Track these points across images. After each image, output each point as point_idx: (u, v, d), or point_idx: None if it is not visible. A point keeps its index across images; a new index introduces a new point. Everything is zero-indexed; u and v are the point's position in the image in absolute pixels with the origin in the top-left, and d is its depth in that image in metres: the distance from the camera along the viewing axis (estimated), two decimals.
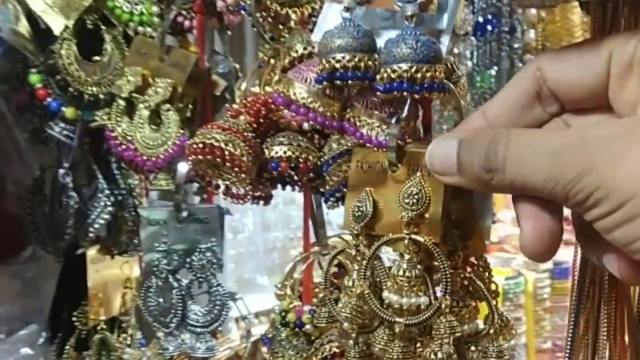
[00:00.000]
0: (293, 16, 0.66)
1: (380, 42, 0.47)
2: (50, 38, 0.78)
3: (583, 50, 0.40)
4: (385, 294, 0.45)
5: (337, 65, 0.45)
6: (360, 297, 0.45)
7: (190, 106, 0.75)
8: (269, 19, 0.67)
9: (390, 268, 0.47)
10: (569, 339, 0.49)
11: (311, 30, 0.64)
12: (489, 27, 1.53)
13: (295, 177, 0.63)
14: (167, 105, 0.72)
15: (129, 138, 0.73)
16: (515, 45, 1.54)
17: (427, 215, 0.45)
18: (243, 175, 0.59)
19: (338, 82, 0.46)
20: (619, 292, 0.48)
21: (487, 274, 0.52)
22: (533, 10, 1.52)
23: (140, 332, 0.93)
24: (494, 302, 0.48)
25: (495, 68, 1.55)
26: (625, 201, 0.34)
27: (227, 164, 0.58)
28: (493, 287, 0.50)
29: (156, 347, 0.74)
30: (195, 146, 0.58)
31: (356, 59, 0.45)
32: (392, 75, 0.44)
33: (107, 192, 0.86)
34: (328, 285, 0.51)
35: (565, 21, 1.51)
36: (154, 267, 0.73)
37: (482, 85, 1.55)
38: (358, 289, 0.45)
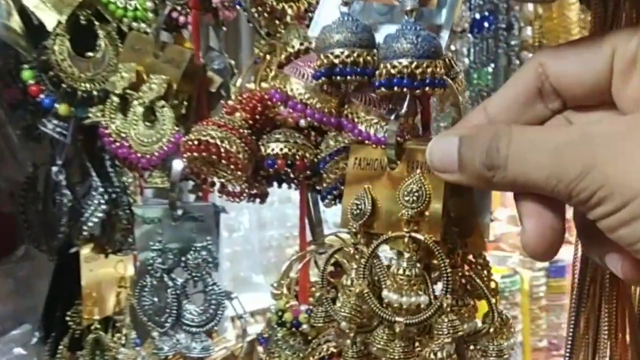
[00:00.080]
0: (289, 11, 0.65)
1: (378, 38, 0.46)
2: (43, 34, 0.78)
3: (585, 46, 0.40)
4: (384, 293, 0.44)
5: (336, 61, 0.45)
6: (359, 297, 0.45)
7: (185, 103, 0.74)
8: (265, 14, 0.66)
9: (388, 267, 0.46)
10: (569, 338, 0.49)
11: (307, 26, 0.63)
12: (486, 24, 1.53)
13: (292, 175, 0.62)
14: (162, 102, 0.71)
15: (123, 135, 0.72)
16: (512, 43, 1.54)
17: (426, 213, 0.44)
18: (239, 173, 0.58)
19: (336, 78, 0.45)
20: (620, 291, 0.48)
21: (485, 272, 0.51)
22: (530, 7, 1.52)
23: (134, 332, 0.93)
24: (493, 301, 0.48)
25: (492, 65, 1.55)
26: (631, 199, 0.33)
27: (223, 161, 0.57)
28: (492, 285, 0.50)
29: (151, 347, 0.73)
30: (190, 143, 0.58)
31: (355, 55, 0.44)
32: (392, 71, 0.43)
33: (101, 190, 0.86)
34: (325, 284, 0.50)
35: (562, 18, 1.51)
36: (149, 266, 0.72)
37: (479, 83, 1.55)
38: (357, 288, 0.45)
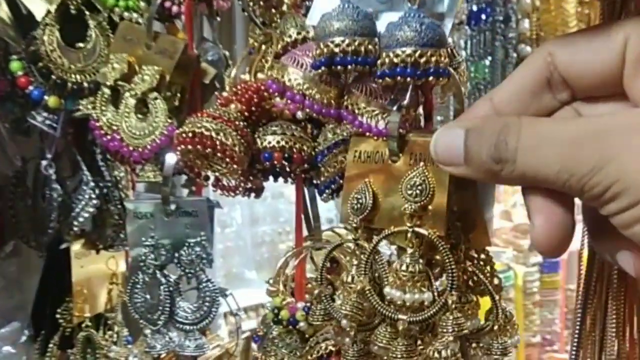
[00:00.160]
0: None
1: (378, 26, 0.45)
2: (32, 24, 0.76)
3: (597, 34, 0.39)
4: (387, 289, 0.43)
5: (336, 50, 0.44)
6: (361, 294, 0.43)
7: (178, 95, 0.72)
8: (260, 3, 0.65)
9: (389, 263, 0.45)
10: (576, 335, 0.48)
11: (304, 14, 0.62)
12: (483, 16, 1.52)
13: (288, 169, 0.61)
14: (154, 94, 0.70)
15: (114, 128, 0.70)
16: (510, 35, 1.53)
17: (430, 207, 0.43)
18: (234, 166, 0.56)
19: (336, 67, 0.44)
20: (628, 287, 0.46)
21: (488, 267, 0.50)
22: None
23: (126, 330, 0.92)
24: (497, 297, 0.47)
25: (489, 58, 1.54)
26: None
27: (218, 154, 0.55)
28: (496, 281, 0.49)
29: (143, 345, 0.72)
30: (184, 135, 0.56)
31: (356, 43, 0.43)
32: (395, 60, 0.42)
33: (91, 184, 0.84)
34: (324, 281, 0.49)
35: (560, 11, 1.51)
36: (141, 262, 0.70)
37: (476, 76, 1.55)
38: (358, 285, 0.43)
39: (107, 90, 0.71)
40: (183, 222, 0.70)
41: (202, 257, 0.70)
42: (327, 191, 0.58)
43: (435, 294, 0.43)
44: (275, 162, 0.58)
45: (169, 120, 0.69)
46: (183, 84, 0.73)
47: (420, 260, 0.43)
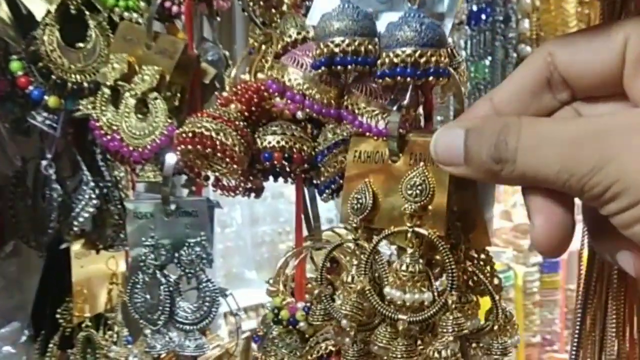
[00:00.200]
0: None
1: (378, 26, 0.45)
2: (32, 24, 0.76)
3: (596, 34, 0.39)
4: (387, 289, 0.43)
5: (336, 50, 0.44)
6: (361, 294, 0.43)
7: (178, 95, 0.72)
8: (260, 3, 0.65)
9: (389, 262, 0.45)
10: (576, 335, 0.48)
11: (304, 15, 0.62)
12: (483, 16, 1.52)
13: (288, 169, 0.61)
14: (154, 94, 0.70)
15: (114, 128, 0.70)
16: (510, 35, 1.53)
17: (430, 207, 0.43)
18: (235, 166, 0.56)
19: (337, 67, 0.44)
20: (628, 287, 0.46)
21: (488, 267, 0.50)
22: None
23: (126, 330, 0.92)
24: (497, 297, 0.47)
25: (489, 58, 1.54)
26: None
27: (218, 154, 0.55)
28: (496, 281, 0.49)
29: (143, 345, 0.72)
30: (184, 135, 0.56)
31: (356, 43, 0.43)
32: (395, 60, 0.42)
33: (91, 184, 0.84)
34: (324, 281, 0.49)
35: (560, 11, 1.51)
36: (141, 262, 0.70)
37: (475, 76, 1.54)
38: (358, 285, 0.43)
39: (107, 90, 0.71)
40: (183, 222, 0.70)
41: (202, 257, 0.70)
42: (327, 191, 0.58)
43: (435, 294, 0.43)
44: (275, 162, 0.58)
45: (169, 120, 0.69)
46: (183, 84, 0.73)
47: (420, 260, 0.43)
